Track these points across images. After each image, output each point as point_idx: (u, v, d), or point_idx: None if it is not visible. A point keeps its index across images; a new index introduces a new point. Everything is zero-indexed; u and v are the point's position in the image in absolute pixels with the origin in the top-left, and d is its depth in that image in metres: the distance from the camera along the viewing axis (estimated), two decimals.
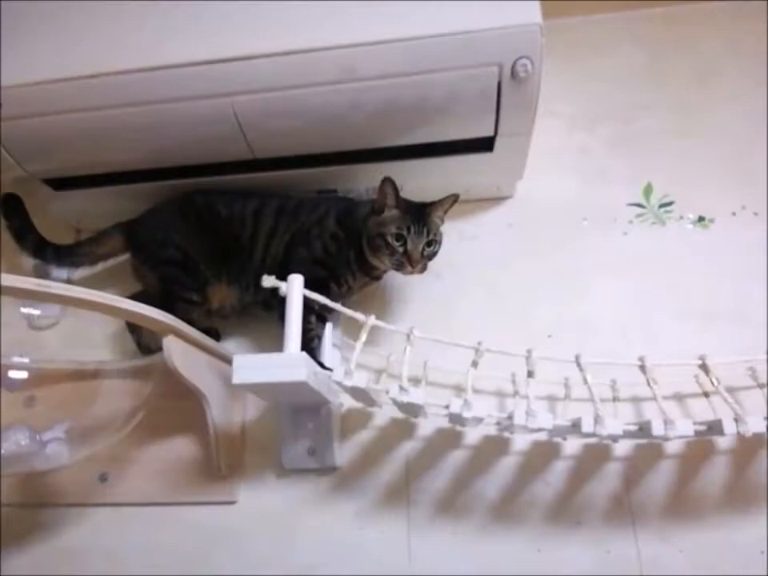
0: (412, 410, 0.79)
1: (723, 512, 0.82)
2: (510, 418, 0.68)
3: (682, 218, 1.00)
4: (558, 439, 0.87)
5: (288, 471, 0.91)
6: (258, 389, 0.73)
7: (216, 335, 0.95)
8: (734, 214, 0.99)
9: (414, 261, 0.84)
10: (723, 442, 0.85)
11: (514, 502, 0.86)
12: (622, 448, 0.86)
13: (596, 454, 0.87)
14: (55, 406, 0.91)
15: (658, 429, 0.67)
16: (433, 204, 0.87)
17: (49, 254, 1.00)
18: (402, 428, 0.92)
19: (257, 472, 0.93)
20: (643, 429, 0.70)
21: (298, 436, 0.90)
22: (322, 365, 0.81)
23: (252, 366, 0.69)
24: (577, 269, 0.98)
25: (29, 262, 1.08)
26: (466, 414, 0.66)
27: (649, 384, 0.72)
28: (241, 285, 0.94)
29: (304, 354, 0.69)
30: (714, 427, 0.69)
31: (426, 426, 0.92)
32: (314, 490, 0.91)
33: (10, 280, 0.56)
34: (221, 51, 0.81)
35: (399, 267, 0.86)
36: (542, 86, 1.03)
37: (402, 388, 0.68)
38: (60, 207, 1.05)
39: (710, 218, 1.00)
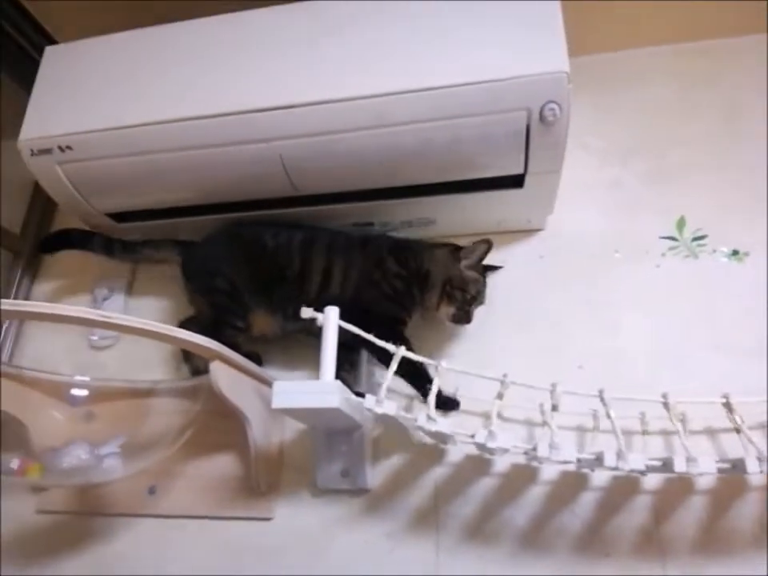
0: (441, 438, 0.83)
1: (754, 548, 0.82)
2: (535, 449, 0.71)
3: (715, 251, 1.01)
4: (585, 470, 0.88)
5: (322, 491, 0.96)
6: (295, 413, 0.78)
7: (257, 359, 1.01)
8: None
9: (471, 320, 0.97)
10: (755, 478, 0.85)
11: (541, 531, 0.88)
12: (652, 481, 0.87)
13: (625, 487, 0.87)
14: (112, 421, 0.97)
15: (680, 466, 0.68)
16: (489, 270, 1.01)
17: (116, 249, 1.11)
18: (432, 454, 0.95)
19: (293, 491, 0.97)
20: (666, 464, 0.71)
21: (332, 458, 0.94)
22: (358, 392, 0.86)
23: (290, 391, 0.74)
24: (607, 301, 1.00)
25: (88, 286, 1.19)
26: (491, 445, 0.69)
27: (672, 420, 0.73)
28: (285, 314, 1.00)
29: (338, 382, 0.74)
30: (738, 465, 0.70)
31: (456, 453, 0.94)
32: (346, 511, 0.95)
33: (80, 312, 0.63)
34: (268, 101, 0.88)
35: (455, 320, 0.97)
36: (574, 120, 1.08)
37: (429, 417, 0.72)
38: (121, 236, 1.14)
39: (744, 251, 1.00)
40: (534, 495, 0.90)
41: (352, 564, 0.91)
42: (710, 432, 0.87)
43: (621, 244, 1.04)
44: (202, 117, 0.90)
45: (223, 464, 1.00)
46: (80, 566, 0.99)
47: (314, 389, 0.73)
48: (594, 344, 0.98)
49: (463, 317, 0.96)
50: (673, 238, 1.03)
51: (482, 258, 0.97)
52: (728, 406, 0.76)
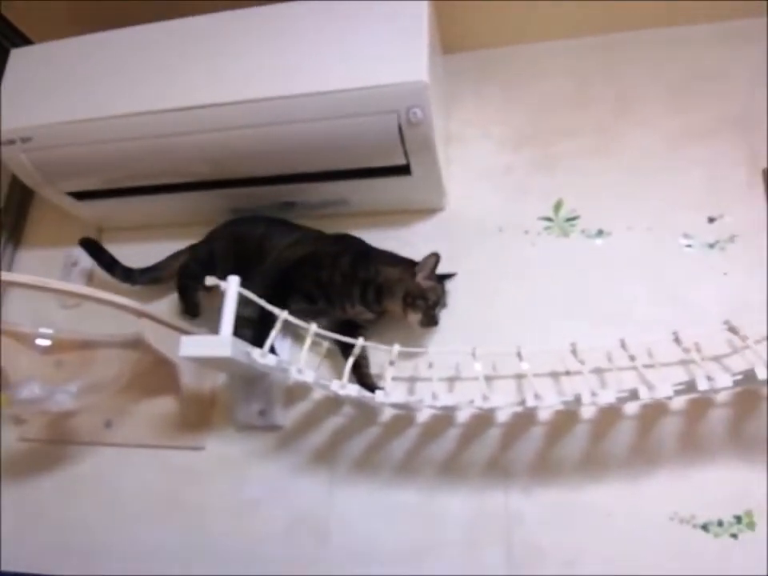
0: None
1: (578, 477, 1.00)
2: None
3: (583, 231, 1.15)
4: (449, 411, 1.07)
5: (245, 427, 1.16)
6: (199, 360, 0.97)
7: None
8: (629, 228, 1.13)
9: (437, 322, 1.09)
10: (585, 416, 1.03)
11: (413, 462, 1.07)
12: (503, 416, 1.06)
13: (480, 422, 1.06)
14: (75, 367, 1.18)
15: (702, 384, 0.85)
16: (446, 277, 1.14)
17: (136, 276, 1.27)
18: (332, 404, 1.14)
19: (221, 426, 1.18)
20: (689, 386, 0.88)
21: (251, 399, 1.14)
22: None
23: (193, 343, 0.92)
24: (487, 273, 1.16)
25: (61, 255, 1.38)
26: (336, 390, 0.89)
27: (687, 352, 0.96)
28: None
29: (232, 337, 0.92)
30: (750, 376, 0.85)
31: (351, 404, 1.13)
32: (263, 444, 1.15)
33: (14, 277, 0.82)
34: (197, 99, 1.04)
35: (423, 325, 1.08)
36: (482, 110, 1.25)
37: (299, 370, 0.91)
38: (83, 212, 1.33)
39: (607, 231, 1.14)
40: (410, 434, 1.09)
41: (264, 486, 1.12)
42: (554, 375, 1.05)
43: (506, 223, 1.19)
44: (143, 113, 1.07)
45: (165, 403, 1.21)
46: (52, 485, 1.22)
47: (212, 342, 0.92)
48: (471, 311, 1.14)
49: (429, 321, 1.07)
50: (549, 219, 1.18)
51: (433, 269, 1.08)
52: (733, 329, 0.94)
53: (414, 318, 1.08)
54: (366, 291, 1.10)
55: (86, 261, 1.37)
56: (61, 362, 1.17)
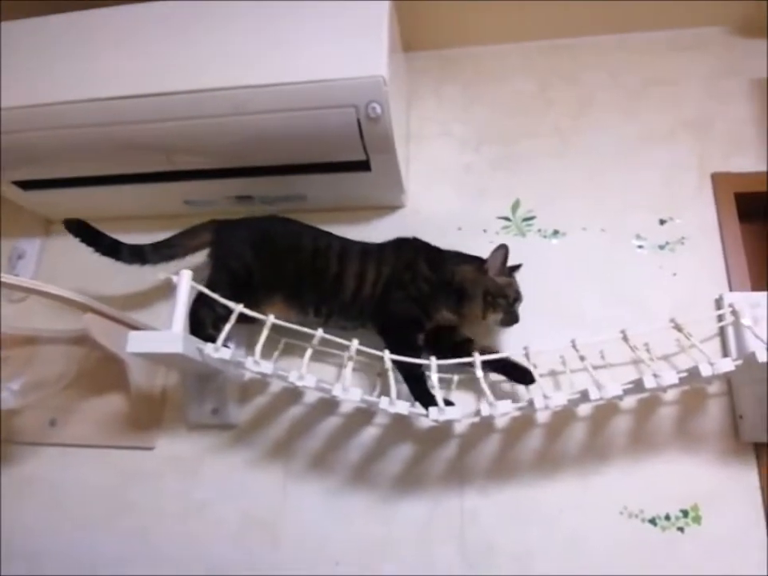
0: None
1: (532, 475, 1.01)
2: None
3: (540, 230, 1.17)
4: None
5: (197, 425, 1.13)
6: (150, 357, 0.94)
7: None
8: (584, 229, 1.15)
9: (519, 319, 1.02)
10: (540, 417, 1.04)
11: (370, 463, 1.07)
12: (460, 427, 1.06)
13: (439, 432, 1.06)
14: (18, 363, 1.13)
15: (649, 382, 0.86)
16: (514, 269, 1.08)
17: (147, 254, 1.11)
18: (290, 396, 1.12)
19: (172, 425, 1.15)
20: (638, 385, 0.88)
21: (204, 398, 1.11)
22: None
23: (143, 339, 0.89)
24: None
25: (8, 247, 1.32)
26: (294, 381, 0.88)
27: (634, 350, 0.95)
28: (318, 311, 1.07)
29: (183, 332, 0.89)
30: (694, 373, 0.87)
31: (311, 395, 1.11)
32: (216, 442, 1.12)
33: None
34: (145, 88, 1.01)
35: (504, 324, 1.03)
36: (444, 108, 1.23)
37: (255, 361, 0.89)
38: (29, 203, 1.27)
39: (562, 231, 1.16)
40: (369, 434, 1.08)
41: (216, 485, 1.10)
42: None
43: (465, 222, 1.20)
44: (94, 99, 1.03)
45: (113, 401, 1.17)
46: None
47: (163, 338, 0.89)
48: None
49: (512, 319, 1.02)
50: (507, 218, 1.19)
51: (504, 262, 1.03)
52: (678, 327, 0.93)
53: (495, 317, 1.03)
54: (456, 296, 1.04)
55: (32, 254, 1.32)
56: (4, 359, 1.12)
